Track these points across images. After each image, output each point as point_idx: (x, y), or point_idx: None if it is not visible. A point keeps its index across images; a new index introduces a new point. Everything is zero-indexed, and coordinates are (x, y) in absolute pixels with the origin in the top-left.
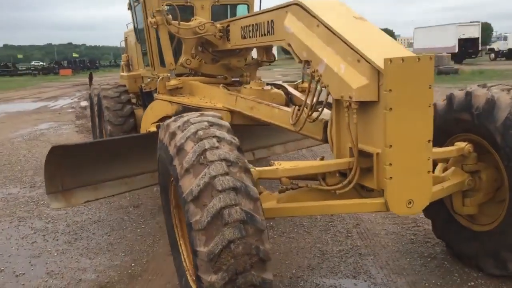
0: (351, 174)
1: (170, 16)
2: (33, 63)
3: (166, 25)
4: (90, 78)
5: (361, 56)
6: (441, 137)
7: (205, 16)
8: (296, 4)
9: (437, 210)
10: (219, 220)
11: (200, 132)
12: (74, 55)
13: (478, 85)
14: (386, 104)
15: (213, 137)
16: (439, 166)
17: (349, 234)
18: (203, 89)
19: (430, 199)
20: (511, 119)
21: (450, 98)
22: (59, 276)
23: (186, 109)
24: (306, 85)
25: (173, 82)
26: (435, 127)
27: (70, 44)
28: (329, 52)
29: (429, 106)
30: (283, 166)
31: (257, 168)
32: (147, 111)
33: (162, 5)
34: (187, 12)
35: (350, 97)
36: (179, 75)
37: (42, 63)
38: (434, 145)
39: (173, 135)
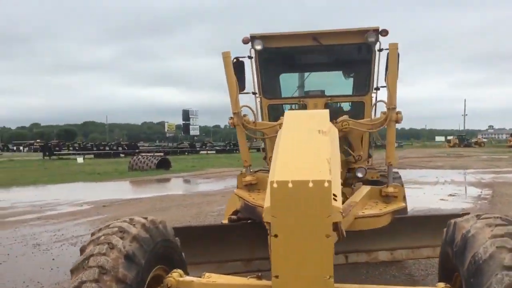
0: None
1: (247, 117)
2: None
3: (241, 126)
4: None
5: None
6: (446, 273)
7: None
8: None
9: None
10: None
11: (102, 238)
12: None
13: (476, 215)
14: (271, 230)
15: (107, 243)
16: None
17: None
18: None
19: None
20: (473, 264)
21: (447, 227)
22: None
23: (247, 205)
24: (391, 189)
25: (248, 178)
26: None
27: None
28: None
29: (327, 237)
30: (203, 280)
31: (178, 278)
32: (227, 203)
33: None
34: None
35: (263, 216)
36: None
37: None
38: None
39: (92, 235)
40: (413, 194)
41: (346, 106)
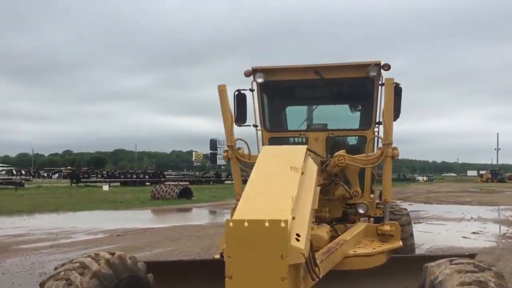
0: None
1: (242, 151)
2: None
3: (235, 159)
4: None
5: None
6: None
7: (319, 148)
8: None
9: None
10: None
11: (62, 273)
12: None
13: (449, 259)
14: (226, 271)
15: (65, 279)
16: None
17: None
18: None
19: None
20: None
21: (423, 271)
22: None
23: None
24: (387, 227)
25: None
26: None
27: None
28: None
29: (282, 280)
30: None
31: None
32: (221, 237)
33: (234, 140)
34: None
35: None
36: None
37: None
38: None
39: (55, 269)
40: (435, 230)
41: (352, 140)
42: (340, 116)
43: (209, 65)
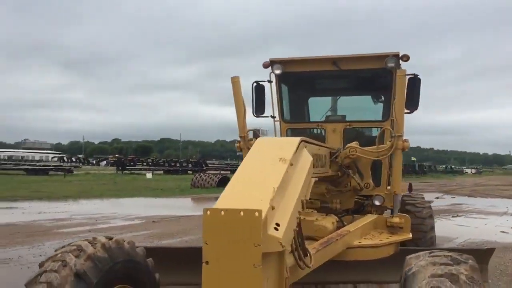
0: None
1: (253, 142)
2: None
3: (246, 150)
4: None
5: None
6: None
7: (337, 139)
8: None
9: None
10: None
11: (59, 255)
12: (412, 158)
13: (429, 251)
14: (203, 257)
15: (61, 261)
16: None
17: None
18: None
19: None
20: None
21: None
22: None
23: None
24: (397, 220)
25: None
26: None
27: (418, 147)
28: None
29: (255, 267)
30: None
31: None
32: None
33: (247, 131)
34: (320, 136)
35: None
36: None
37: None
38: None
39: (55, 251)
40: (473, 224)
41: (374, 132)
42: (357, 108)
43: (254, 56)
